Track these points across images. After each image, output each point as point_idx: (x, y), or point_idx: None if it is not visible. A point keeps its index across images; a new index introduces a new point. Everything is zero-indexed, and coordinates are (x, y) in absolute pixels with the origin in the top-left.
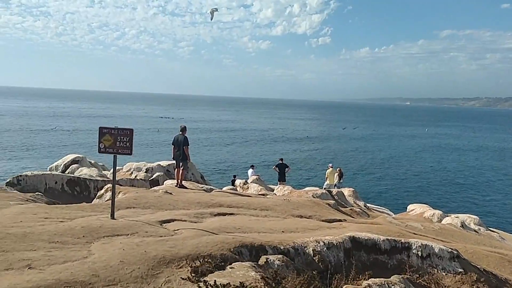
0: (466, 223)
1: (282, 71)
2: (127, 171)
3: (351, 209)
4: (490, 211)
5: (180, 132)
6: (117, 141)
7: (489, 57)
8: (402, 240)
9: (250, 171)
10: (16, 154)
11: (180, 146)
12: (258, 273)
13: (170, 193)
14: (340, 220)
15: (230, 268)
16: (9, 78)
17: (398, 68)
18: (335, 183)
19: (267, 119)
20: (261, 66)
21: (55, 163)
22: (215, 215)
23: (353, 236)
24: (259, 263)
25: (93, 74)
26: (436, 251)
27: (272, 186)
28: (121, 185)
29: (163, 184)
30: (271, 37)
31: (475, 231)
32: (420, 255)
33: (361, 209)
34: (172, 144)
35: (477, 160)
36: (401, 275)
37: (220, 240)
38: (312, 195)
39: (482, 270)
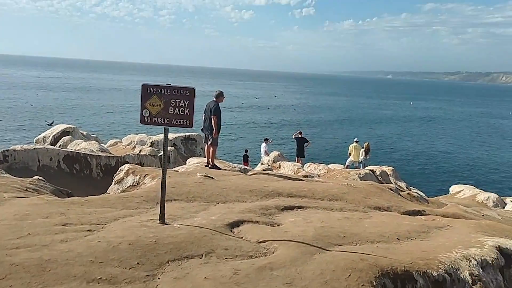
0: None
1: (265, 42)
2: (127, 145)
3: (408, 193)
4: None
5: (214, 99)
6: (170, 106)
7: (471, 32)
8: None
9: (263, 145)
10: None
11: (209, 115)
12: None
13: (212, 178)
14: (419, 212)
15: None
16: None
17: (381, 41)
18: (360, 159)
19: (256, 91)
20: (244, 36)
21: (42, 134)
22: (283, 210)
23: (499, 247)
24: None
25: (71, 42)
26: None
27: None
28: (127, 161)
29: (175, 162)
30: (254, 7)
31: None
32: None
33: (418, 193)
34: (203, 113)
35: (478, 135)
36: None
37: (346, 263)
38: (358, 176)
39: None
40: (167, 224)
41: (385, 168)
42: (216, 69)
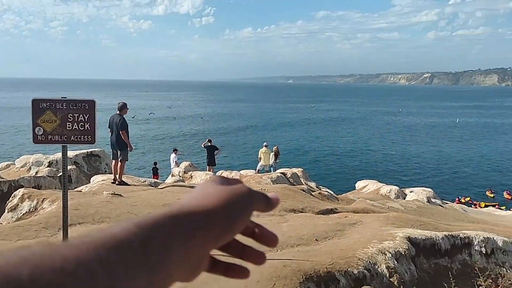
0: (430, 198)
1: (166, 52)
2: (22, 167)
3: (319, 193)
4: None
5: (118, 112)
6: (67, 121)
7: (360, 37)
8: (461, 235)
9: (172, 156)
10: None
11: (116, 130)
12: None
13: (120, 195)
14: (332, 210)
15: None
16: None
17: (280, 48)
18: (270, 163)
19: (161, 101)
20: (144, 47)
21: None
22: None
23: (409, 237)
24: None
25: None
26: (500, 245)
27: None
28: (22, 185)
29: (78, 181)
30: (152, 17)
31: (440, 205)
32: (483, 252)
33: (328, 192)
34: (109, 127)
35: (369, 131)
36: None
37: (269, 272)
38: (270, 180)
39: None
40: None
41: (295, 170)
42: (116, 81)
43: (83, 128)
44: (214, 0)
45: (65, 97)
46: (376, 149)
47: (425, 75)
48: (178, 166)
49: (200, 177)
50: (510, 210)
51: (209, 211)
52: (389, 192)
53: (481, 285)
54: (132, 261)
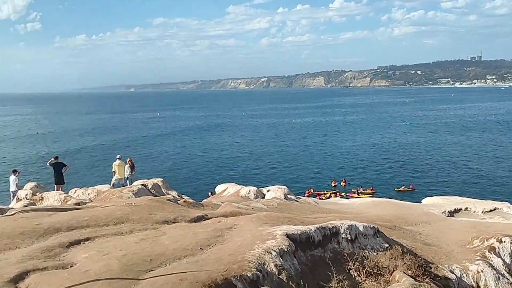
0: (287, 195)
1: None
2: None
3: (184, 201)
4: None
5: None
6: None
7: (199, 44)
8: (329, 226)
9: (12, 178)
10: None
11: None
12: None
13: None
14: (203, 217)
15: None
16: None
17: (118, 56)
18: (126, 176)
19: None
20: None
21: None
22: (69, 246)
23: (287, 234)
24: None
25: None
26: (361, 230)
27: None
28: None
29: None
30: None
31: (295, 200)
32: (349, 238)
33: (192, 199)
34: None
35: (242, 137)
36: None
37: (170, 287)
38: (132, 193)
39: (391, 239)
40: None
41: (155, 180)
42: None
43: None
44: (39, 4)
45: None
46: (228, 153)
47: (262, 79)
48: (21, 189)
49: (53, 197)
50: (347, 195)
51: None
52: (248, 193)
53: (351, 269)
54: None
